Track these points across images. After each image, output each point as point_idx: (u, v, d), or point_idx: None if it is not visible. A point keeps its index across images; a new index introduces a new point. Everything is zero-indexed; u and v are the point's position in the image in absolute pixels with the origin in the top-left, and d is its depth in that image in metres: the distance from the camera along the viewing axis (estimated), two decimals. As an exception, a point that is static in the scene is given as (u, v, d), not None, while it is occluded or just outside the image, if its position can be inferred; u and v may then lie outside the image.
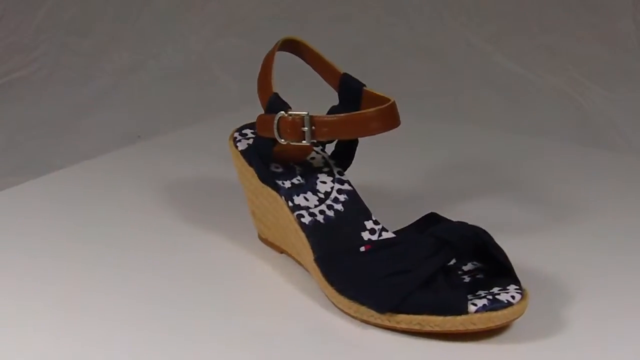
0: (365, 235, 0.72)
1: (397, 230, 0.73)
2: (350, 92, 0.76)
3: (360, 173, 0.78)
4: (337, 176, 0.76)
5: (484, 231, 0.67)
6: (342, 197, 0.74)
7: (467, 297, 0.63)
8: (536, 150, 1.06)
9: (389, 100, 0.71)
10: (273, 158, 0.75)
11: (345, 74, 0.76)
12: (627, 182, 0.95)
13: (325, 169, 0.77)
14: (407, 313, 0.64)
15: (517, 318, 0.64)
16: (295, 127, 0.71)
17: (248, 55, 1.79)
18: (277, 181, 0.75)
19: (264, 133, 0.74)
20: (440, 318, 0.63)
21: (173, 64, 1.79)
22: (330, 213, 0.73)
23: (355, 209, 0.74)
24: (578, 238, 0.82)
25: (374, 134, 0.74)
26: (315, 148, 0.78)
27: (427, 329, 0.64)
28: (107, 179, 0.94)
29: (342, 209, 0.73)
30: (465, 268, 0.68)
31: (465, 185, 0.93)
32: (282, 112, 0.72)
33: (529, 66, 1.67)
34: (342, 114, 0.71)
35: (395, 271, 0.65)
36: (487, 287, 0.65)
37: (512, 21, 1.71)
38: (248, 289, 0.73)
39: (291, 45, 0.78)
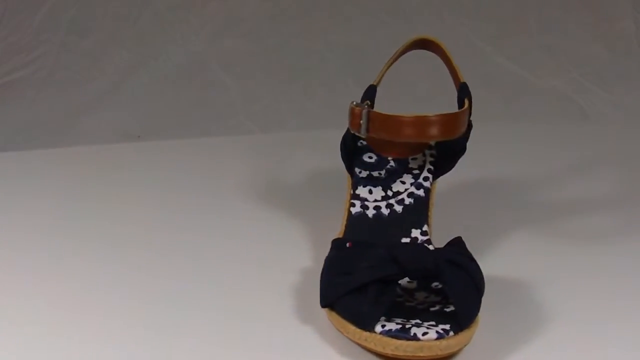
0: (405, 242, 0.72)
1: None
2: (460, 102, 0.75)
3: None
4: (419, 180, 0.75)
5: (460, 269, 0.64)
6: (407, 201, 0.74)
7: (379, 316, 0.62)
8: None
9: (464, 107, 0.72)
10: (379, 147, 0.77)
11: (463, 83, 0.75)
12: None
13: (415, 171, 0.76)
14: (337, 314, 0.65)
15: (422, 356, 0.61)
16: (355, 118, 0.72)
17: (248, 56, 1.79)
18: (357, 169, 0.75)
19: (348, 120, 0.75)
20: (353, 328, 0.63)
21: (173, 64, 1.78)
22: (385, 211, 0.73)
23: (413, 215, 0.73)
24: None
25: (432, 140, 0.74)
26: (426, 150, 0.78)
27: (345, 334, 0.64)
28: (104, 174, 0.94)
29: (400, 211, 0.74)
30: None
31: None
32: (353, 102, 0.73)
33: (528, 67, 1.69)
34: (401, 114, 0.71)
35: (342, 271, 0.66)
36: (430, 318, 0.64)
37: (511, 22, 1.72)
38: (258, 271, 0.74)
39: (425, 45, 0.79)
